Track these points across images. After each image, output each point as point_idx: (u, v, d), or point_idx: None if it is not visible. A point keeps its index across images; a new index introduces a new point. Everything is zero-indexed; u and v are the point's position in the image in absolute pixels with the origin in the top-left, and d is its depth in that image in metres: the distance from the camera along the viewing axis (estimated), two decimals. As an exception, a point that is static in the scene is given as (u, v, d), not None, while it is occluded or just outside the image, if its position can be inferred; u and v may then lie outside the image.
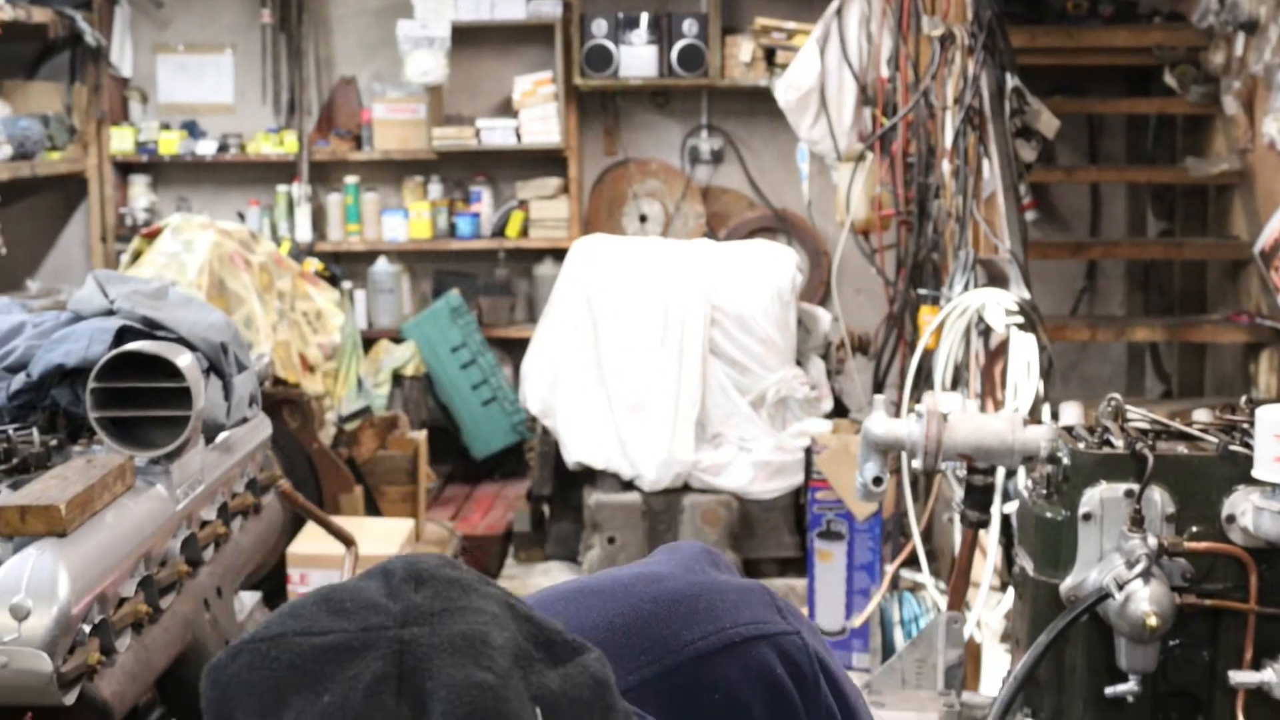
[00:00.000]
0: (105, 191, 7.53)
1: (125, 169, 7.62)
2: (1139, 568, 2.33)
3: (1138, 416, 2.59)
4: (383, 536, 4.96)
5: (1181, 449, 2.48)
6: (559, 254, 6.61)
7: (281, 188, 7.52)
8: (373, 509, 5.47)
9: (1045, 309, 4.57)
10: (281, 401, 5.09)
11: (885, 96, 5.55)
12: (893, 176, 5.43)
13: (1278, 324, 5.09)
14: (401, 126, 7.38)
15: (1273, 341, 5.18)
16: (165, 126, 7.54)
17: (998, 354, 4.38)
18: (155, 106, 7.69)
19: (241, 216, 7.37)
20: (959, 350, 4.46)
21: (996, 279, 4.45)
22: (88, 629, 2.35)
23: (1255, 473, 2.35)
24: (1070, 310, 6.75)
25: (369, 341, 7.05)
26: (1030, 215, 5.77)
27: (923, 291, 5.09)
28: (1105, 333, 5.78)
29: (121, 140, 7.48)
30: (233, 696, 0.97)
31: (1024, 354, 4.09)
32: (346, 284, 7.34)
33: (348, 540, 3.80)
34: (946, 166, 4.96)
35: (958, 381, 4.51)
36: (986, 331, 4.42)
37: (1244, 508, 2.39)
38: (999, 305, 4.18)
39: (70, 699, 2.30)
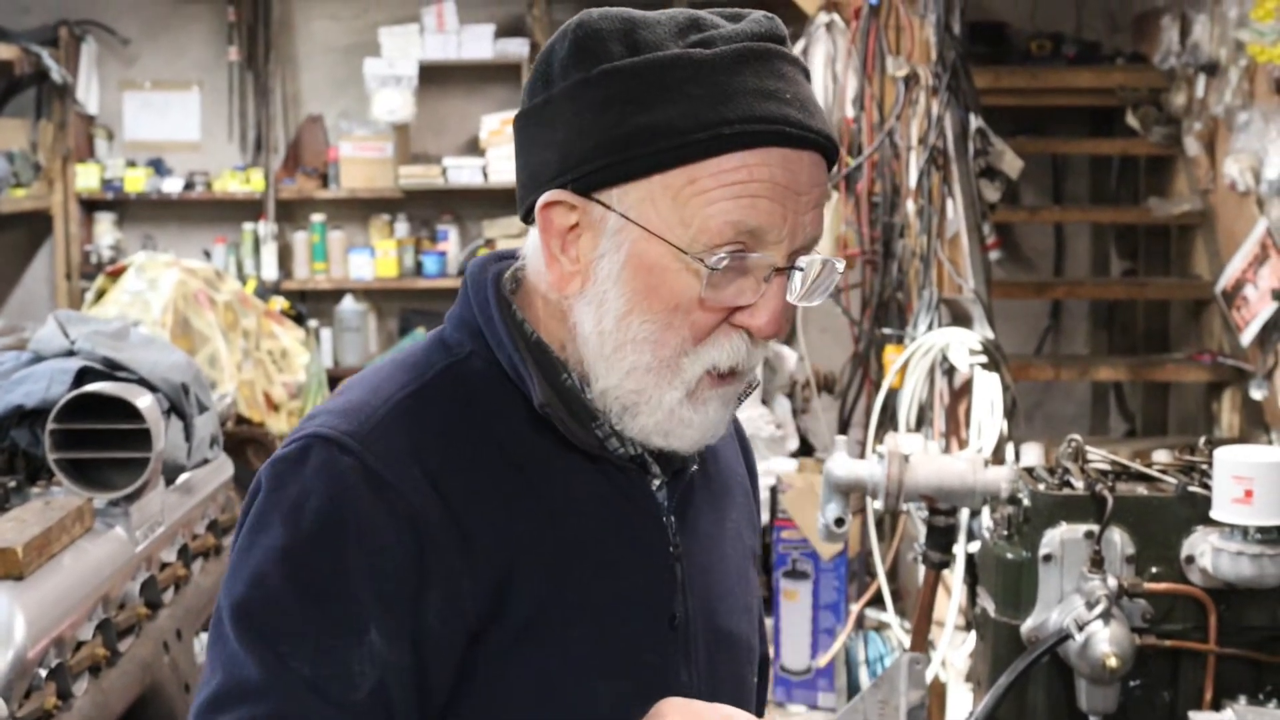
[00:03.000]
0: (70, 229, 7.50)
1: (91, 206, 7.60)
2: (1099, 609, 2.34)
3: (1098, 457, 2.60)
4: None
5: (1141, 490, 2.50)
6: (526, 292, 6.59)
7: (248, 226, 7.51)
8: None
9: (1009, 348, 4.60)
10: (245, 441, 5.06)
11: (850, 136, 5.58)
12: (858, 216, 5.45)
13: (1240, 363, 5.12)
14: (368, 165, 7.38)
15: (1235, 380, 5.21)
16: (131, 164, 7.53)
17: (962, 393, 4.39)
18: (121, 144, 7.68)
19: (207, 254, 7.35)
20: (923, 389, 4.48)
21: (960, 318, 4.48)
22: (44, 673, 2.33)
23: (1214, 514, 2.36)
24: (1034, 350, 6.77)
25: (335, 380, 7.02)
26: (994, 255, 5.78)
27: (887, 331, 5.10)
28: (1069, 372, 5.80)
29: (87, 177, 7.45)
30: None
31: (988, 393, 4.10)
32: (312, 322, 7.32)
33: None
34: (911, 206, 4.99)
35: (922, 420, 4.53)
36: (951, 371, 4.43)
37: (1203, 549, 2.40)
38: (963, 345, 4.20)
39: (25, 744, 2.28)
